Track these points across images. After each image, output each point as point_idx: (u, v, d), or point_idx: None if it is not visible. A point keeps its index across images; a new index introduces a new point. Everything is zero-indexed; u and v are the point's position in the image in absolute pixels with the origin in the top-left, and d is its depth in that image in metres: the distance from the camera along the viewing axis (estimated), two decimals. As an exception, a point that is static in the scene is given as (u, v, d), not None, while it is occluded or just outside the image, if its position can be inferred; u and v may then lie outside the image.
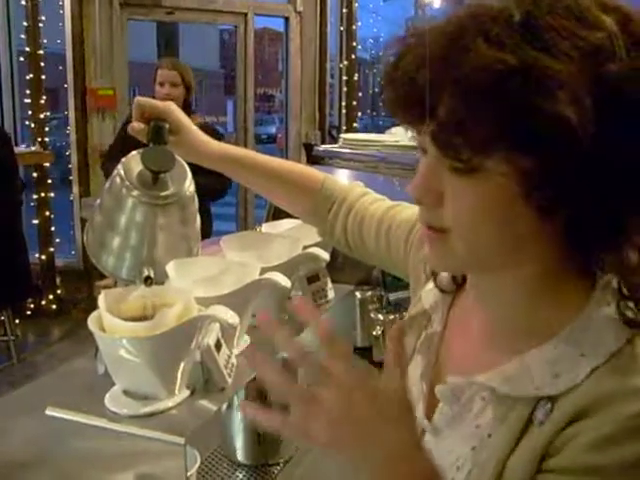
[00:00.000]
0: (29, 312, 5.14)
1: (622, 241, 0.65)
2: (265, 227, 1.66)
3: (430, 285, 0.91)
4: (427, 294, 0.91)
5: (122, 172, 1.14)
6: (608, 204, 0.63)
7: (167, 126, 1.15)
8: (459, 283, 0.87)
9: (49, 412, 1.07)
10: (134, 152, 1.16)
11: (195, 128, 1.20)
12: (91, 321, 1.05)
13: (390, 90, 0.69)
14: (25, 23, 5.05)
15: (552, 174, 0.61)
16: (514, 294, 0.74)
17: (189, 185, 1.18)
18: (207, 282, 1.24)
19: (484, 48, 0.60)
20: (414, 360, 0.90)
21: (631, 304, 0.67)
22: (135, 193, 1.12)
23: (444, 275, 0.88)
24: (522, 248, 0.69)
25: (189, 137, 1.18)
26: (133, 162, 1.15)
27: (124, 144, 4.11)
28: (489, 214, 0.66)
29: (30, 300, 5.08)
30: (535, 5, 0.62)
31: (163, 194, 1.14)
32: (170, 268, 1.17)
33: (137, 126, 1.15)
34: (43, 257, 5.24)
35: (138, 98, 1.18)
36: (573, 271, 0.71)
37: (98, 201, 1.22)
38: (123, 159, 1.17)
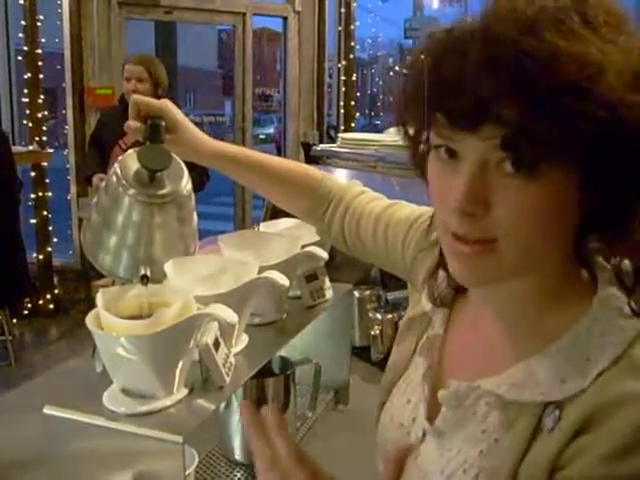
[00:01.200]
0: (26, 312, 5.14)
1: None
2: (263, 226, 1.65)
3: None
4: (427, 296, 0.91)
5: (118, 171, 1.13)
6: (630, 195, 0.65)
7: (163, 124, 1.14)
8: (456, 289, 0.87)
9: (47, 411, 1.07)
10: (130, 150, 1.16)
11: (192, 126, 1.20)
12: (89, 319, 1.04)
13: (429, 96, 0.65)
14: (23, 22, 5.05)
15: (608, 177, 0.62)
16: (523, 298, 0.74)
17: (186, 183, 1.18)
18: (205, 281, 1.23)
19: (561, 42, 0.59)
20: (415, 362, 0.90)
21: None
22: (131, 192, 1.12)
23: (441, 288, 0.87)
24: (553, 252, 0.70)
25: (186, 135, 1.18)
26: (130, 160, 1.15)
27: (99, 139, 4.14)
28: (539, 217, 0.65)
29: (27, 300, 5.08)
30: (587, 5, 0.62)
31: (160, 193, 1.14)
32: (168, 267, 1.17)
33: (133, 124, 1.14)
34: (41, 257, 5.24)
35: (134, 96, 1.18)
36: (577, 273, 0.71)
37: (95, 200, 1.22)
38: (120, 157, 1.17)
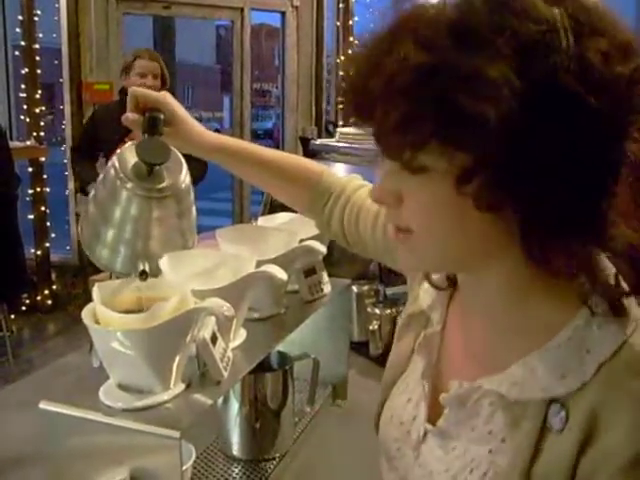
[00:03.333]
0: (24, 308, 5.13)
1: (579, 237, 0.64)
2: (261, 220, 1.65)
3: (427, 284, 0.90)
4: (424, 293, 0.90)
5: (116, 163, 1.12)
6: (550, 199, 0.62)
7: (162, 117, 1.13)
8: (454, 281, 0.86)
9: (43, 406, 1.06)
10: (129, 143, 1.15)
11: (191, 119, 1.18)
12: (85, 314, 1.04)
13: (345, 100, 0.71)
14: (20, 17, 5.04)
15: (485, 171, 0.61)
16: (498, 294, 0.73)
17: (185, 177, 1.17)
18: (203, 275, 1.23)
19: (411, 51, 0.60)
20: (413, 360, 0.89)
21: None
22: (129, 185, 1.11)
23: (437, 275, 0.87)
24: (485, 247, 0.69)
25: (184, 128, 1.16)
26: (128, 153, 1.14)
27: (94, 136, 3.96)
28: (440, 213, 0.67)
29: (25, 296, 5.07)
30: (470, 4, 0.62)
31: (158, 187, 1.13)
32: (165, 262, 1.16)
33: (131, 117, 1.13)
34: (38, 252, 5.23)
35: (133, 88, 1.16)
36: (546, 274, 0.70)
37: (92, 193, 1.21)
38: (118, 150, 1.16)
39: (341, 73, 0.74)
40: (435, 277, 0.87)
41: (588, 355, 0.66)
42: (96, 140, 3.82)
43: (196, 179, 3.41)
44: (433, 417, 0.80)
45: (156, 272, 1.14)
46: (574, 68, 0.59)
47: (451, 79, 0.59)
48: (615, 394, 0.63)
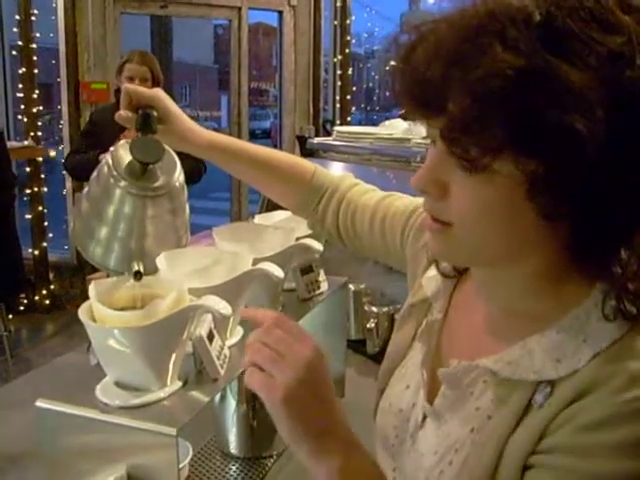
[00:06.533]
0: (22, 307, 5.14)
1: (626, 252, 0.65)
2: (258, 218, 1.65)
3: (431, 272, 0.91)
4: (429, 281, 0.91)
5: (110, 161, 1.12)
6: (613, 214, 0.63)
7: (155, 114, 1.12)
8: (460, 271, 0.87)
9: (40, 404, 1.06)
10: (123, 141, 1.15)
11: (184, 116, 1.18)
12: (82, 311, 1.04)
13: (401, 83, 0.68)
14: (17, 17, 5.03)
15: (556, 181, 0.61)
16: (515, 287, 0.74)
17: (179, 175, 1.16)
18: (199, 273, 1.23)
19: (500, 52, 0.59)
20: (414, 347, 0.90)
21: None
22: (123, 184, 1.11)
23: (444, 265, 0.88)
24: (524, 249, 0.69)
25: (178, 125, 1.16)
26: (121, 151, 1.13)
27: (94, 139, 3.88)
28: (492, 214, 0.66)
29: (23, 295, 5.07)
30: (556, 6, 0.61)
31: (152, 185, 1.12)
32: (161, 260, 1.16)
33: (124, 114, 1.13)
34: (36, 252, 5.23)
35: (126, 85, 1.16)
36: (579, 271, 0.70)
37: (86, 189, 1.20)
38: (111, 148, 1.16)
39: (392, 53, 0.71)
40: (444, 265, 0.88)
41: (584, 344, 0.67)
42: (95, 143, 3.79)
43: (190, 177, 3.41)
44: (431, 402, 0.81)
45: (150, 270, 1.14)
46: None
47: (540, 87, 0.58)
48: (601, 379, 0.64)
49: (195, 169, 3.38)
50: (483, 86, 0.59)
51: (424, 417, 0.81)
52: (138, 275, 1.11)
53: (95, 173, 1.17)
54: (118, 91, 3.85)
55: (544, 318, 0.71)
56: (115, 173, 1.11)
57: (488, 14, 0.62)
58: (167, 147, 1.14)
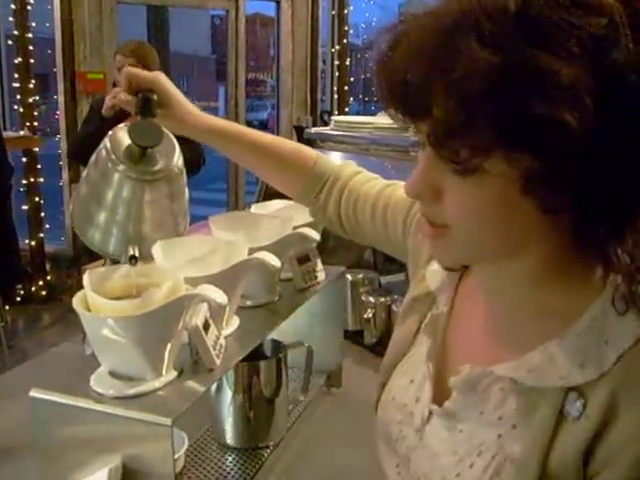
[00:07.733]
0: (19, 298, 5.13)
1: (632, 237, 0.63)
2: (255, 207, 1.64)
3: (435, 266, 0.89)
4: (433, 275, 0.89)
5: (108, 145, 1.11)
6: (612, 199, 0.61)
7: (155, 98, 1.11)
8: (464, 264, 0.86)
9: (33, 394, 1.05)
10: (121, 124, 1.13)
11: (185, 100, 1.17)
12: (76, 301, 1.03)
13: (383, 83, 0.66)
14: (13, 6, 4.98)
15: (552, 173, 0.59)
16: (522, 281, 0.72)
17: (177, 159, 1.15)
18: (195, 262, 1.22)
19: (477, 50, 0.56)
20: (419, 341, 0.88)
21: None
22: (121, 168, 1.10)
23: None
24: (526, 242, 0.68)
25: (178, 109, 1.15)
26: (120, 134, 1.12)
27: (95, 127, 3.85)
28: (488, 213, 0.65)
29: (20, 286, 5.06)
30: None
31: (151, 169, 1.11)
32: (157, 248, 1.15)
33: (124, 97, 1.11)
34: (33, 243, 5.21)
35: (127, 68, 1.15)
36: (586, 260, 0.69)
37: (85, 173, 1.19)
38: (110, 132, 1.15)
39: (372, 54, 0.68)
40: None
41: (606, 346, 0.65)
42: (97, 131, 3.78)
43: (189, 168, 3.39)
44: (438, 398, 0.79)
45: (147, 254, 1.13)
46: (635, 60, 0.57)
47: (523, 83, 0.56)
48: (635, 381, 0.62)
49: (194, 160, 3.36)
50: (464, 88, 0.57)
51: (430, 412, 0.80)
52: (133, 260, 1.10)
53: (94, 157, 1.16)
54: (115, 84, 3.85)
55: (557, 317, 0.69)
56: (113, 157, 1.10)
57: (463, 12, 0.59)
58: (166, 131, 1.13)
